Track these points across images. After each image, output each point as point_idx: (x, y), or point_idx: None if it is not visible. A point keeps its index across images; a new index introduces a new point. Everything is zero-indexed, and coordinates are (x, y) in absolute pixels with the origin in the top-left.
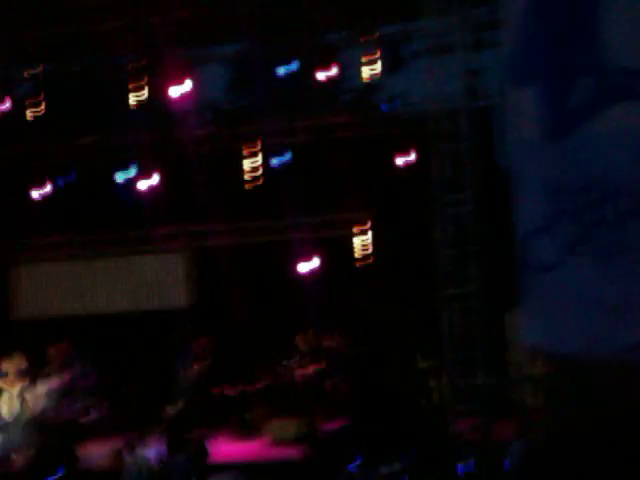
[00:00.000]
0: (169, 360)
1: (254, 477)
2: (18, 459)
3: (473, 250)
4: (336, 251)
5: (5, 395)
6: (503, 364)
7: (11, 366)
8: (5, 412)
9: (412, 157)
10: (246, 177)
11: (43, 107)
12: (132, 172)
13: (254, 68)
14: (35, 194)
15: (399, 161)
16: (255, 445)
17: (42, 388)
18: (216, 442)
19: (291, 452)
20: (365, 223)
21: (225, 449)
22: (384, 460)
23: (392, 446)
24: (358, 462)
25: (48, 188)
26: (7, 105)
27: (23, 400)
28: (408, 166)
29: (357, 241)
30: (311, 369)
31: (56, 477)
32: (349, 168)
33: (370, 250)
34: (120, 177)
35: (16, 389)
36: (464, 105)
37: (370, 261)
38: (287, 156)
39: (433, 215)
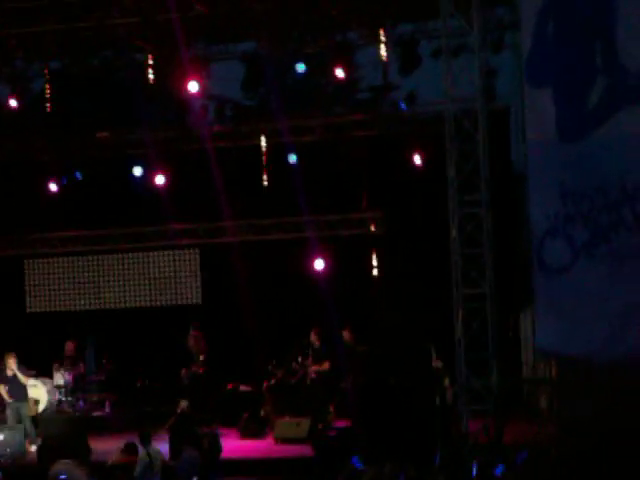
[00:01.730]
0: (181, 355)
1: (264, 473)
2: (31, 450)
3: (487, 250)
4: (350, 249)
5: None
6: (517, 365)
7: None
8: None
9: (428, 157)
10: (261, 174)
11: (59, 102)
12: (147, 168)
13: (271, 65)
14: (51, 188)
15: (415, 160)
16: (266, 442)
17: (56, 381)
18: (228, 438)
19: (300, 450)
20: (380, 221)
21: (236, 445)
22: (393, 459)
23: (403, 445)
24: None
25: (64, 183)
26: (22, 101)
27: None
28: (423, 166)
29: (371, 240)
30: (319, 368)
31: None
32: (364, 166)
33: (384, 249)
34: (135, 172)
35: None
36: (481, 105)
37: (384, 260)
38: (299, 155)
39: (448, 215)
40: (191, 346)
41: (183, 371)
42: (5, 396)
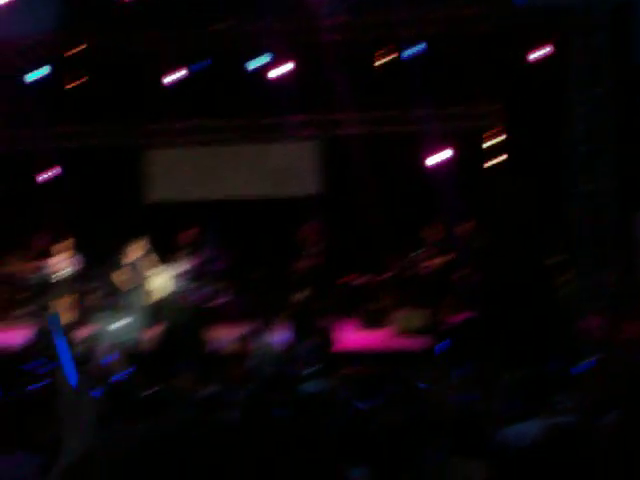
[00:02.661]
0: (298, 247)
1: (384, 364)
2: (145, 340)
3: (606, 147)
4: (466, 144)
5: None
6: (633, 263)
7: (138, 250)
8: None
9: (547, 50)
10: (378, 67)
11: None
12: (265, 59)
13: None
14: (169, 79)
15: (534, 54)
16: (380, 335)
17: (172, 271)
18: (342, 331)
19: (415, 343)
20: (497, 117)
21: (350, 338)
22: (506, 356)
23: (516, 342)
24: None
25: (182, 73)
26: None
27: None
28: (543, 60)
29: (488, 135)
30: (438, 261)
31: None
32: (482, 60)
33: (501, 144)
34: (253, 64)
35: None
36: None
37: (500, 155)
38: (420, 47)
39: (566, 110)
40: (307, 238)
41: (299, 262)
42: (121, 285)
